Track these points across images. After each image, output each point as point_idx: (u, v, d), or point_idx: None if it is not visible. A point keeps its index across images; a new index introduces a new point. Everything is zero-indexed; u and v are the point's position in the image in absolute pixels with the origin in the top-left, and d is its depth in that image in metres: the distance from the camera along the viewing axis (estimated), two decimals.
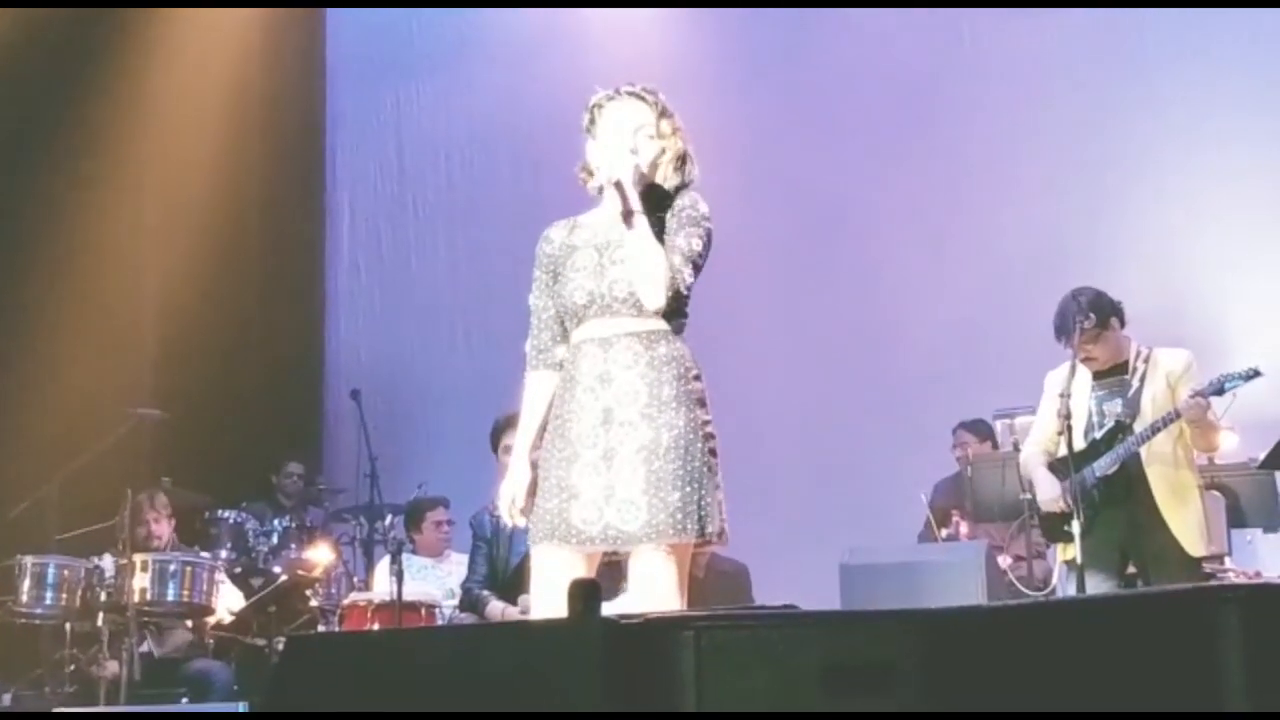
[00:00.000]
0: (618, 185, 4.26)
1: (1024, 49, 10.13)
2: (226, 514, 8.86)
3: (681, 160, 4.44)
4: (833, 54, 10.72)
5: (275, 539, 8.88)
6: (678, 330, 4.31)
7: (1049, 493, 6.37)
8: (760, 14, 10.79)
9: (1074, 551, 6.20)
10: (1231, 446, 7.84)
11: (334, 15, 12.31)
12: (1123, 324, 6.37)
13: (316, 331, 11.94)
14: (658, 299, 4.21)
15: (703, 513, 4.11)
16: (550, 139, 11.33)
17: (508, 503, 4.37)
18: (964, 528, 8.19)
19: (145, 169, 10.43)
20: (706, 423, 4.20)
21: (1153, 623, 2.98)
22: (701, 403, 4.22)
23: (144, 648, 7.67)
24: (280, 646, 7.72)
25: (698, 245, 4.27)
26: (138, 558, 7.46)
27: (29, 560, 7.46)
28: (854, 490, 9.56)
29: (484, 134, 11.24)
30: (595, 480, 4.15)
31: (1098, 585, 6.11)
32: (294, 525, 9.05)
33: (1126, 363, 6.36)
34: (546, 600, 4.22)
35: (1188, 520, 6.19)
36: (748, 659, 3.00)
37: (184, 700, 7.79)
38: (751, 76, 10.86)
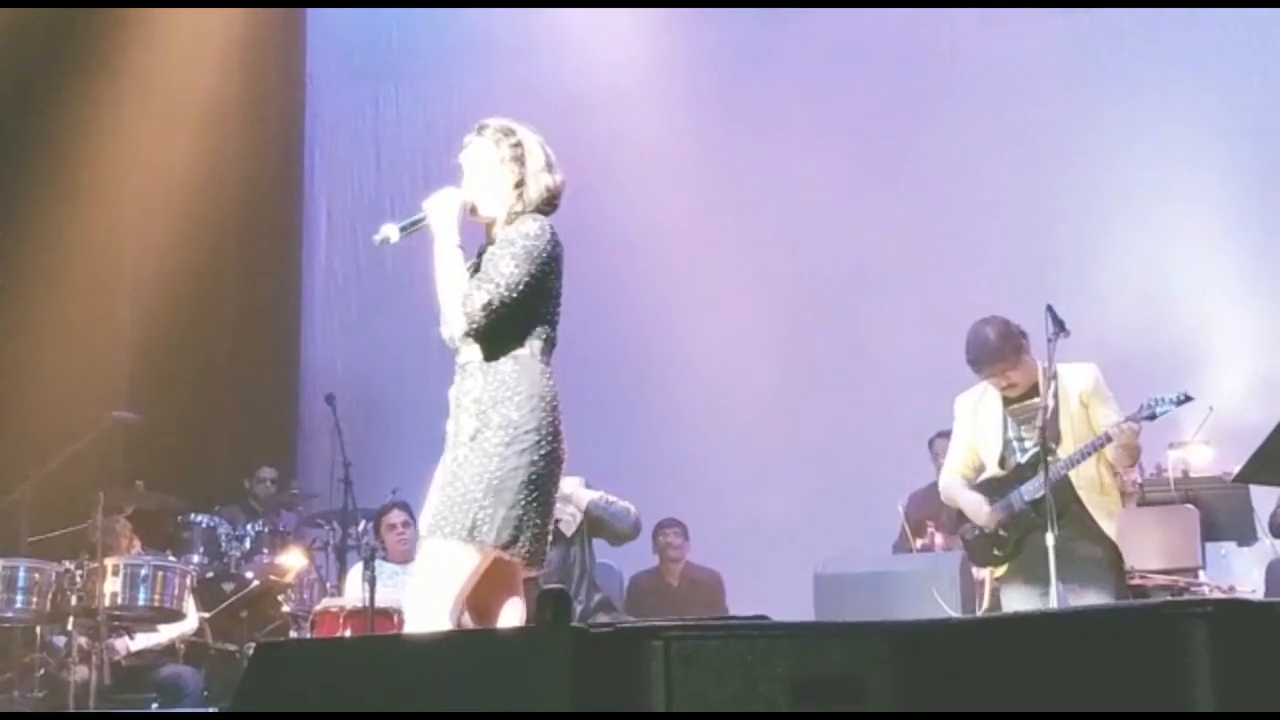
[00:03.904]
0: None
1: (1005, 57, 10.16)
2: (199, 518, 8.84)
3: (516, 187, 4.57)
4: (814, 60, 10.73)
5: (248, 544, 8.86)
6: (536, 350, 4.45)
7: (981, 509, 6.36)
8: (739, 18, 10.80)
9: (1001, 572, 6.30)
10: (1206, 460, 7.88)
11: (314, 20, 12.29)
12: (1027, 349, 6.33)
13: (292, 336, 11.91)
14: (454, 326, 4.44)
15: (477, 520, 4.28)
16: None
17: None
18: (939, 539, 8.18)
19: (122, 172, 10.39)
20: (525, 440, 4.33)
21: (1123, 637, 2.98)
22: (526, 424, 4.35)
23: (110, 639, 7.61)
24: (251, 652, 7.68)
25: (504, 266, 4.39)
26: (109, 561, 7.41)
27: None
28: (829, 500, 9.58)
29: (463, 138, 11.21)
30: (435, 490, 4.45)
31: (1027, 600, 6.15)
32: (267, 530, 9.03)
33: (1035, 384, 6.34)
34: None
35: (1115, 533, 6.23)
36: (717, 669, 3.00)
37: (154, 705, 7.76)
38: (729, 81, 10.88)
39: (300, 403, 11.79)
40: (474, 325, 4.38)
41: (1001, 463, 6.37)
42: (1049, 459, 6.12)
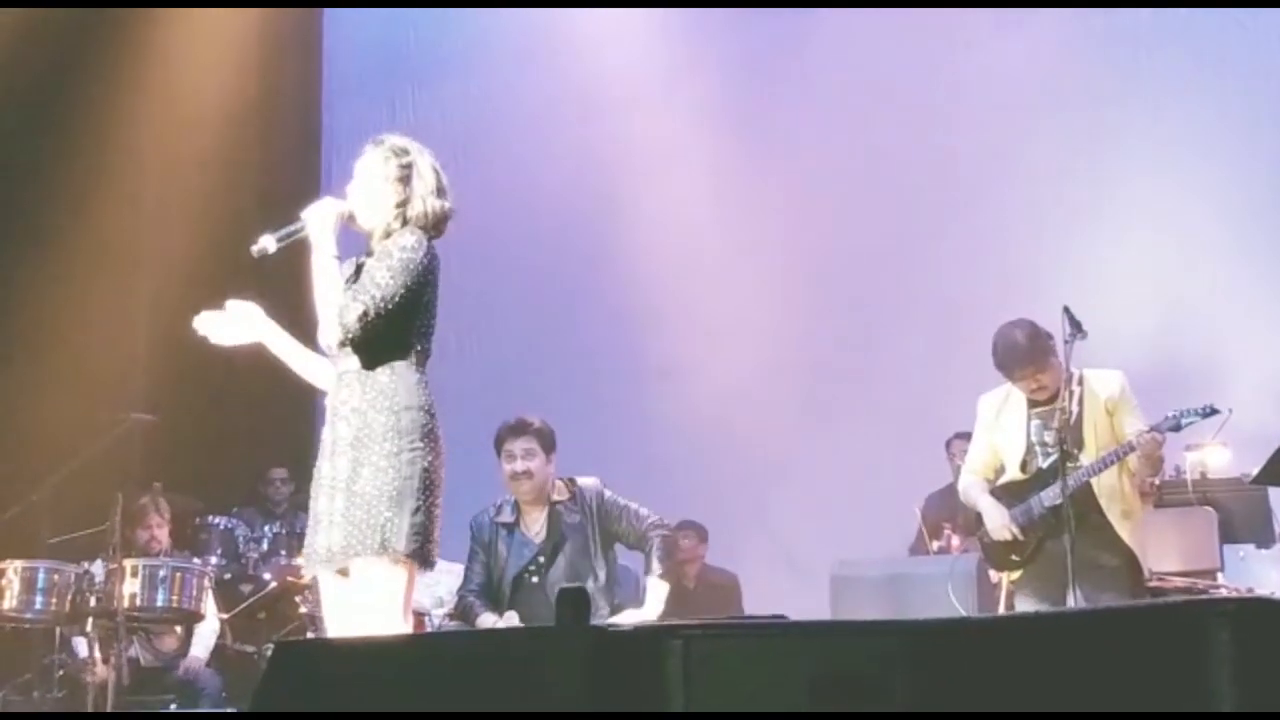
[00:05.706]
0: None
1: (1023, 63, 10.11)
2: (217, 520, 8.88)
3: (398, 206, 4.67)
4: (830, 63, 10.70)
5: (265, 545, 8.90)
6: (411, 360, 4.56)
7: (997, 519, 6.35)
8: (757, 21, 10.79)
9: (1016, 576, 6.31)
10: (1224, 462, 7.85)
11: (330, 25, 12.30)
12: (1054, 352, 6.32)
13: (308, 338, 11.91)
14: (328, 335, 4.54)
15: (386, 536, 4.37)
16: (544, 148, 11.38)
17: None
18: (956, 540, 8.17)
19: (141, 175, 10.42)
20: (414, 450, 4.44)
21: (1144, 636, 2.98)
22: (411, 432, 4.45)
23: (132, 652, 7.63)
24: (269, 653, 7.70)
25: (380, 277, 4.50)
26: (128, 563, 7.41)
27: (19, 564, 7.42)
28: (846, 502, 9.55)
29: (479, 142, 11.22)
30: (325, 506, 4.51)
31: (1040, 605, 6.15)
32: (284, 531, 9.06)
33: (1059, 389, 6.31)
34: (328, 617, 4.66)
35: (1138, 543, 6.22)
36: (735, 668, 3.00)
37: (172, 706, 7.78)
38: (747, 83, 10.85)
39: (318, 404, 11.78)
40: (349, 335, 4.47)
41: (1023, 466, 6.36)
42: (1070, 464, 6.11)
